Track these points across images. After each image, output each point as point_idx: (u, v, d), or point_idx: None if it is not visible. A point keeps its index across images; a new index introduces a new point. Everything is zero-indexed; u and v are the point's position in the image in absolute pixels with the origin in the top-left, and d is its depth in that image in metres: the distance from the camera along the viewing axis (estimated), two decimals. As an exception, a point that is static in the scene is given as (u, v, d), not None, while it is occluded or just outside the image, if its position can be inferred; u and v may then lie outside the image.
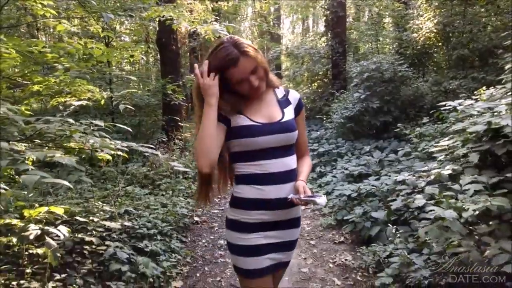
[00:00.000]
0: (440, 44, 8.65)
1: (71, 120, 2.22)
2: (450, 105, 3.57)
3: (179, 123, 7.95)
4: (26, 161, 2.07)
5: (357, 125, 7.38)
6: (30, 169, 1.94)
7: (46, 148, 2.46)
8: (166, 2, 6.91)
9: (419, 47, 9.03)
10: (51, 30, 10.99)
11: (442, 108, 4.04)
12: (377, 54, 9.88)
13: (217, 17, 10.44)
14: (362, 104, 7.23)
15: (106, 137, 2.60)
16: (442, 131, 4.82)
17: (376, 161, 5.50)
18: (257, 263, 1.75)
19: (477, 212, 2.41)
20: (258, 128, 1.69)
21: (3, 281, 2.94)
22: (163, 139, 7.53)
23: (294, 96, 1.86)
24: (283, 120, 1.74)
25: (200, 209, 5.19)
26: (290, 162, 1.77)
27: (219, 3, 11.49)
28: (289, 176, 1.74)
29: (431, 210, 2.53)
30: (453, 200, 2.57)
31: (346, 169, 5.55)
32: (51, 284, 2.99)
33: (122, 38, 8.98)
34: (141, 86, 10.47)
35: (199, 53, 13.30)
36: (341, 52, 10.80)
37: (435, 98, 7.07)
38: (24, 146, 2.18)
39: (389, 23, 13.17)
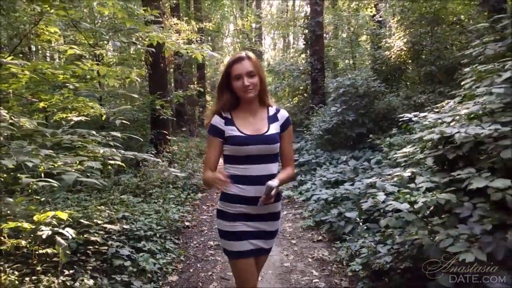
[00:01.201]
0: (410, 61, 9.31)
1: (93, 132, 2.65)
2: (407, 117, 4.09)
3: (167, 136, 8.35)
4: (52, 166, 2.48)
5: (335, 136, 7.90)
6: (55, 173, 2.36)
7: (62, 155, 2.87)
8: (154, 22, 7.33)
9: (392, 63, 9.69)
10: (47, 52, 11.37)
11: (400, 120, 4.57)
12: (353, 70, 10.52)
13: (202, 35, 10.96)
14: (339, 117, 7.76)
15: (111, 148, 3.02)
16: (409, 140, 5.36)
17: (351, 169, 6.01)
18: (240, 245, 2.18)
19: (425, 204, 2.90)
20: (244, 138, 2.14)
21: (16, 277, 3.28)
22: (152, 152, 7.90)
23: (282, 114, 2.31)
24: (267, 134, 2.19)
25: (189, 215, 5.60)
26: (271, 168, 2.20)
27: (203, 23, 12.02)
28: (269, 179, 2.11)
29: (390, 204, 3.02)
30: (408, 196, 3.06)
31: (324, 176, 6.05)
32: (61, 278, 3.35)
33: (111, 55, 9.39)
34: (129, 102, 10.87)
35: (183, 69, 13.76)
36: (320, 68, 11.40)
37: (406, 111, 7.64)
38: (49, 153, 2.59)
39: (366, 40, 13.93)
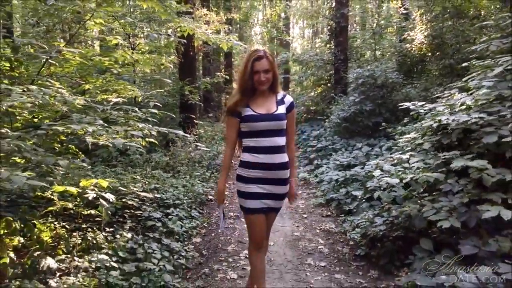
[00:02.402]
0: (430, 54, 9.57)
1: (136, 108, 3.22)
2: (406, 106, 4.50)
3: (195, 120, 8.94)
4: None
5: (352, 125, 8.30)
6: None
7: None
8: (186, 14, 7.85)
9: (413, 56, 9.96)
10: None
11: (408, 110, 4.97)
12: (374, 62, 10.84)
13: (229, 26, 11.46)
14: (357, 106, 8.16)
15: (148, 124, 3.58)
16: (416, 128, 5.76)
17: (364, 154, 6.45)
18: (253, 204, 2.72)
19: (415, 181, 3.36)
20: (257, 116, 2.67)
21: (66, 232, 3.91)
22: (178, 135, 8.51)
23: (288, 99, 2.84)
24: (276, 113, 2.71)
25: (213, 191, 6.19)
26: (279, 140, 2.72)
27: (231, 14, 12.51)
28: (277, 149, 2.69)
29: (383, 179, 3.50)
30: (400, 173, 3.52)
31: (338, 160, 6.52)
32: (103, 234, 3.97)
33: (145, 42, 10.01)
34: (158, 87, 11.51)
35: (211, 57, 14.32)
36: (343, 59, 11.73)
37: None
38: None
39: (392, 32, 14.12)
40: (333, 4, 12.56)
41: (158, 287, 3.19)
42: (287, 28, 23.98)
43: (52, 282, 2.96)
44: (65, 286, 2.84)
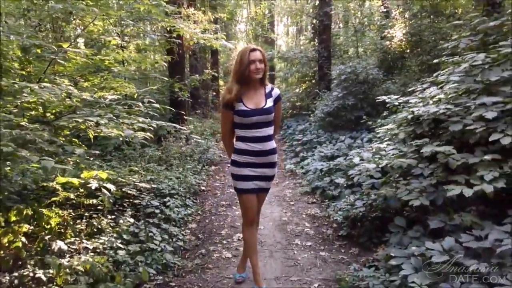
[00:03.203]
0: (408, 51, 10.03)
1: (140, 103, 3.54)
2: (383, 99, 4.88)
3: (184, 116, 9.24)
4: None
5: (335, 119, 8.70)
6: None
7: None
8: (174, 13, 8.11)
9: (393, 53, 10.42)
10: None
11: (380, 101, 5.35)
12: (357, 59, 11.26)
13: (216, 24, 11.76)
14: (340, 101, 8.56)
15: (147, 118, 3.90)
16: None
17: (346, 146, 6.85)
18: (246, 185, 3.09)
19: (391, 167, 3.75)
20: (249, 112, 3.02)
21: (71, 219, 4.20)
22: (171, 130, 8.81)
23: (275, 92, 3.20)
24: (265, 107, 3.07)
25: (205, 182, 6.52)
26: (268, 130, 3.10)
27: (218, 13, 12.80)
28: (268, 138, 3.08)
29: (361, 165, 3.88)
30: (377, 159, 3.91)
31: (322, 152, 6.91)
32: (106, 220, 4.27)
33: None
34: (148, 85, 11.76)
35: (198, 55, 14.58)
36: (326, 56, 12.12)
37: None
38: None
39: (373, 29, 14.60)
40: (317, 3, 12.94)
41: (160, 264, 3.53)
42: (271, 26, 24.30)
43: (64, 262, 3.26)
44: (78, 263, 3.14)
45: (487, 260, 2.73)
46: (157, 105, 3.68)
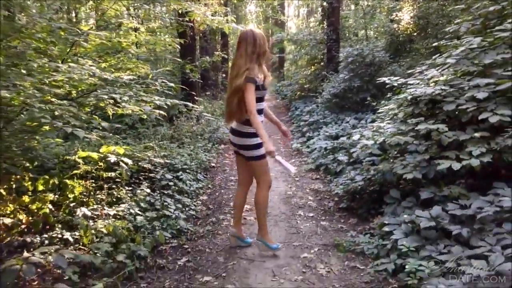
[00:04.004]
0: (415, 34, 10.17)
1: (156, 83, 3.85)
2: (383, 81, 5.11)
3: (195, 97, 9.54)
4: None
5: (342, 100, 8.95)
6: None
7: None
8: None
9: (402, 35, 10.55)
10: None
11: (386, 84, 5.59)
12: (365, 41, 11.42)
13: (226, 7, 11.94)
14: (346, 83, 8.79)
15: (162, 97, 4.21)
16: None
17: (351, 126, 7.12)
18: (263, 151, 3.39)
19: (387, 144, 4.04)
20: (264, 85, 3.34)
21: (92, 188, 4.55)
22: (183, 110, 9.13)
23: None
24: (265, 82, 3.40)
25: (215, 159, 6.86)
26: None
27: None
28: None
29: (361, 141, 4.17)
30: (375, 136, 4.20)
31: (327, 132, 7.19)
32: (124, 191, 4.62)
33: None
34: (159, 65, 12.05)
35: (208, 37, 14.80)
36: (335, 39, 12.28)
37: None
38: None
39: (382, 12, 14.66)
40: (326, -15, 13.02)
41: (175, 229, 3.88)
42: (282, 8, 24.32)
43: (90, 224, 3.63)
44: (102, 225, 3.50)
45: (470, 226, 3.03)
46: (172, 84, 3.98)
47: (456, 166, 3.37)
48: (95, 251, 3.13)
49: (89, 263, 3.04)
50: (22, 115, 3.26)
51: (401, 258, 3.09)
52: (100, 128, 5.02)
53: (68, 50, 4.15)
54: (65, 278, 2.91)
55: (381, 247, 3.42)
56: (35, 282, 2.92)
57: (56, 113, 3.15)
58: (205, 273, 3.21)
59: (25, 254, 2.66)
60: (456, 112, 3.89)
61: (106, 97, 3.30)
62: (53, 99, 3.18)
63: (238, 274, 3.20)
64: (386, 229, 3.50)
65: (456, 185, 3.56)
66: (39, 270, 2.91)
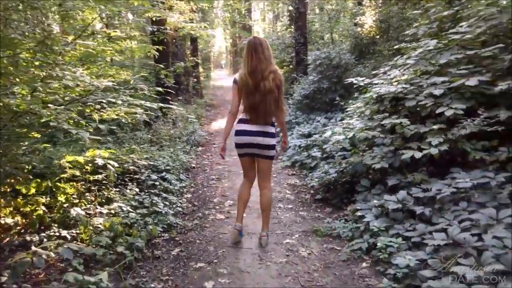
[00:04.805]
0: (378, 37, 10.76)
1: (145, 87, 4.11)
2: (350, 81, 5.56)
3: (170, 102, 9.76)
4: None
5: (312, 101, 9.38)
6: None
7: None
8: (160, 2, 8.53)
9: (365, 38, 11.13)
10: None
11: (352, 84, 6.04)
12: (331, 44, 11.95)
13: (195, 12, 12.22)
14: (315, 85, 9.24)
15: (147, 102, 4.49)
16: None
17: (322, 125, 7.55)
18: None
19: (356, 136, 4.45)
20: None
21: (82, 189, 4.74)
22: (158, 114, 9.33)
23: None
24: None
25: (194, 161, 7.14)
26: None
27: (200, 3, 13.25)
28: None
29: (333, 137, 4.57)
30: (346, 132, 4.61)
31: (300, 131, 7.60)
32: (113, 191, 4.84)
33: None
34: (135, 71, 12.20)
35: (179, 42, 15.03)
36: (302, 42, 12.76)
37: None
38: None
39: (346, 16, 15.30)
40: (292, -9, 13.50)
41: (165, 224, 4.16)
42: (249, 12, 24.76)
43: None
44: (98, 222, 3.74)
45: (431, 206, 3.46)
46: (160, 89, 4.27)
47: (418, 155, 3.80)
48: (97, 244, 3.37)
49: (91, 255, 3.28)
50: (21, 119, 3.46)
51: (373, 237, 3.49)
52: (93, 130, 5.22)
53: (58, 58, 4.36)
54: (69, 270, 3.14)
55: (355, 229, 3.82)
56: (42, 275, 3.14)
57: (60, 116, 3.38)
58: (198, 260, 3.51)
59: (33, 248, 2.89)
60: (417, 108, 4.31)
61: (104, 101, 3.55)
62: (50, 105, 3.41)
63: (229, 260, 3.52)
64: (358, 213, 3.90)
65: (419, 172, 3.99)
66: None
